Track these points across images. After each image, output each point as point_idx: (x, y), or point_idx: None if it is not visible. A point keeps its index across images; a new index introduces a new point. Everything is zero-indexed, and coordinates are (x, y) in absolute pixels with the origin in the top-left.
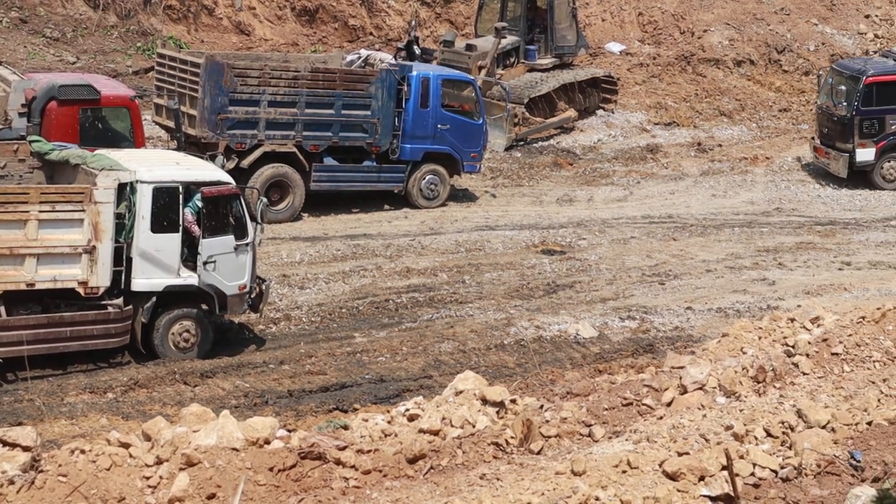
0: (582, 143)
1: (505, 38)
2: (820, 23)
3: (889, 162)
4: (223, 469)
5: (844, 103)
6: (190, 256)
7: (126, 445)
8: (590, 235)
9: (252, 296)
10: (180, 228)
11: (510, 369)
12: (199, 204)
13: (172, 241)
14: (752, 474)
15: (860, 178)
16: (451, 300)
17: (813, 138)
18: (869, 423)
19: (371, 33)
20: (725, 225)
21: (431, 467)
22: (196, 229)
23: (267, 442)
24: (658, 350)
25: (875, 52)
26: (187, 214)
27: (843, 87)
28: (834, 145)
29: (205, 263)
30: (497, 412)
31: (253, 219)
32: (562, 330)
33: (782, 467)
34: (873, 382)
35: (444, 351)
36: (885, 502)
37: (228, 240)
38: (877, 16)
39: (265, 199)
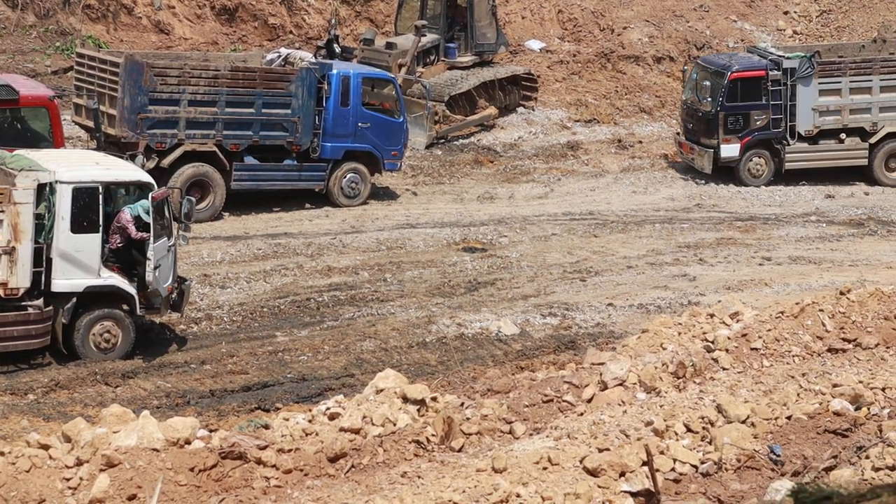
0: (503, 141)
1: (425, 36)
2: (739, 19)
3: (755, 158)
4: (143, 470)
5: (709, 99)
6: (116, 256)
7: (46, 447)
8: (511, 233)
9: (173, 296)
10: (100, 228)
11: (432, 367)
12: (148, 207)
13: (92, 241)
14: (673, 469)
15: (726, 173)
16: (373, 298)
17: (678, 134)
18: (788, 418)
19: (291, 32)
20: (646, 221)
21: (352, 466)
22: (133, 230)
23: (187, 442)
24: (580, 347)
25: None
26: (126, 214)
27: (708, 83)
28: (699, 141)
29: (155, 267)
30: (418, 410)
31: (176, 219)
32: (483, 327)
33: (702, 462)
34: (792, 377)
35: (366, 349)
36: (802, 496)
37: (166, 242)
38: (795, 12)
39: (193, 199)
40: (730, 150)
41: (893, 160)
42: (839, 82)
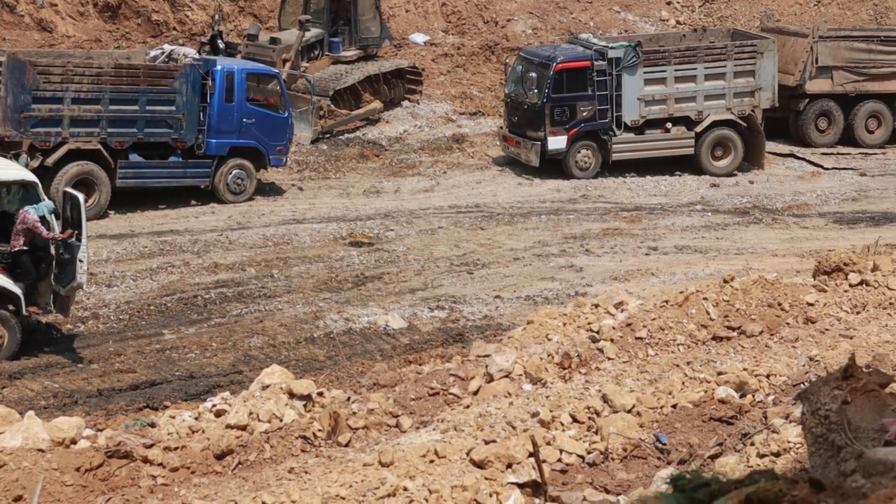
0: (388, 135)
1: (309, 30)
2: (622, 10)
3: (583, 150)
4: (29, 471)
5: (535, 91)
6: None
7: None
8: (397, 226)
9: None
10: None
11: (320, 362)
12: (52, 207)
13: None
14: (560, 460)
15: (553, 166)
16: (260, 295)
17: (501, 128)
18: (674, 406)
19: (174, 28)
20: (532, 213)
21: (239, 462)
22: (44, 230)
23: (73, 442)
24: (468, 339)
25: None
26: (31, 215)
27: (534, 75)
28: (525, 134)
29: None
30: (304, 405)
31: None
32: (371, 322)
33: (589, 452)
34: (677, 366)
35: (254, 346)
36: (681, 483)
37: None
38: (678, 2)
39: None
40: (557, 142)
41: (719, 149)
42: (664, 71)
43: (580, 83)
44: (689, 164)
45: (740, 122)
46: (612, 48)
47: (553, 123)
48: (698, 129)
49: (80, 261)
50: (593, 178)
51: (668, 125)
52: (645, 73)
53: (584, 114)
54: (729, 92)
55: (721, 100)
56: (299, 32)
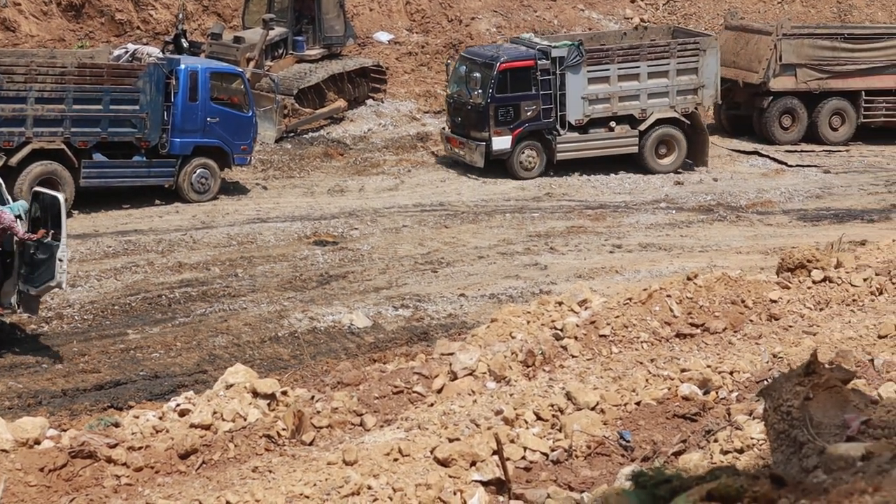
0: (352, 134)
1: (273, 29)
2: (586, 8)
3: (527, 150)
4: None
5: (479, 91)
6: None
7: None
8: (362, 225)
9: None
10: None
11: (285, 361)
12: (27, 206)
13: None
14: (524, 458)
15: (497, 166)
16: (225, 294)
17: (444, 129)
18: (637, 404)
19: (138, 27)
20: (497, 211)
21: (203, 462)
22: (20, 230)
23: (37, 442)
24: (432, 338)
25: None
26: (7, 216)
27: (478, 75)
28: (469, 135)
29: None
30: (268, 404)
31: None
32: (336, 320)
33: (553, 450)
34: (641, 363)
35: (219, 345)
36: (642, 479)
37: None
38: (643, 0)
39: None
40: (501, 142)
41: (663, 147)
42: (607, 70)
43: (524, 83)
44: (633, 163)
45: (684, 119)
46: (555, 47)
47: (497, 124)
48: (642, 127)
49: (60, 260)
50: (561, 177)
51: (612, 124)
52: (588, 71)
53: (529, 114)
54: (672, 90)
55: (664, 98)
56: (263, 31)
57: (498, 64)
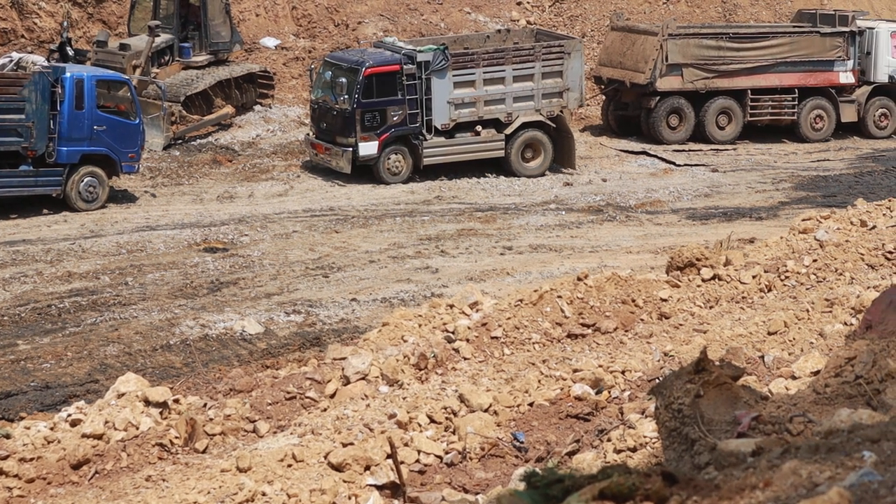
0: (240, 140)
1: (158, 36)
2: (473, 11)
3: (393, 155)
4: None
5: (345, 96)
6: None
7: None
8: (252, 231)
9: None
10: None
11: (177, 369)
12: None
13: None
14: (418, 461)
15: (364, 172)
16: (115, 303)
17: (308, 135)
18: (530, 405)
19: (23, 36)
20: (387, 215)
21: (96, 472)
22: None
23: None
24: (325, 343)
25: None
26: None
27: (344, 80)
28: (335, 140)
29: None
30: (160, 413)
31: None
32: (227, 327)
33: (447, 452)
34: (533, 364)
35: (110, 354)
36: (534, 479)
37: None
38: (528, 2)
39: None
40: (368, 148)
41: (529, 150)
42: (473, 74)
43: (390, 88)
44: (500, 166)
45: (549, 123)
46: (420, 51)
47: (364, 129)
48: (508, 131)
49: None
50: (451, 180)
51: (479, 128)
52: (454, 76)
53: (395, 118)
54: (537, 93)
55: (530, 101)
56: (149, 38)
57: (363, 69)
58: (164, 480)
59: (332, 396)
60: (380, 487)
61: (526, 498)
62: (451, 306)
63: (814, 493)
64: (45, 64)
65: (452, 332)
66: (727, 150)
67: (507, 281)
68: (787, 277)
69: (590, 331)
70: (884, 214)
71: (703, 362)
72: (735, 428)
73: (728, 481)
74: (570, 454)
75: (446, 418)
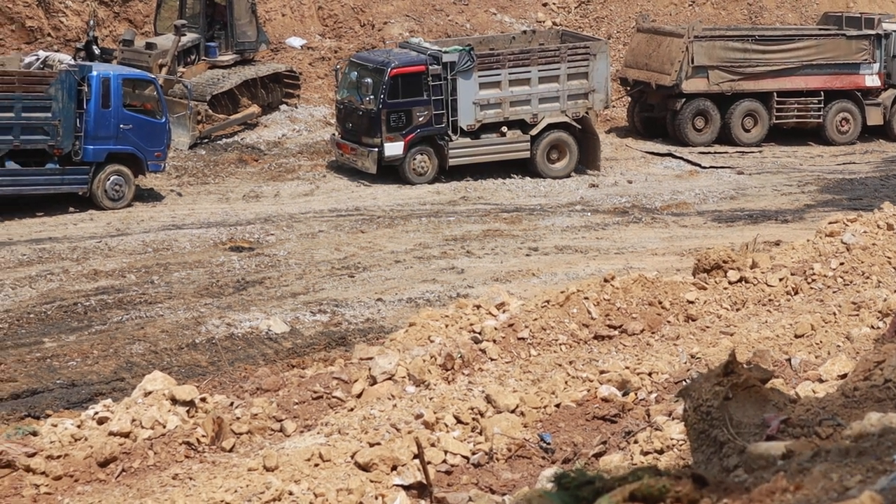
0: (266, 139)
1: (185, 35)
2: (499, 12)
3: (419, 155)
4: None
5: (371, 97)
6: None
7: None
8: (278, 231)
9: None
10: None
11: (203, 368)
12: None
13: None
14: (444, 461)
15: (389, 172)
16: (141, 301)
17: (334, 135)
18: (557, 406)
19: (49, 34)
20: (412, 215)
21: (123, 470)
22: None
23: None
24: (350, 343)
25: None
26: None
27: (369, 81)
28: (360, 140)
29: None
30: (187, 411)
31: None
32: (253, 326)
33: (473, 453)
34: (560, 365)
35: (136, 352)
36: (565, 481)
37: None
38: (554, 3)
39: None
40: (394, 148)
41: (554, 151)
42: (498, 75)
43: (416, 88)
44: (525, 168)
45: (575, 124)
46: (445, 52)
47: (389, 129)
48: (533, 132)
49: None
50: (477, 180)
51: (504, 129)
52: (479, 76)
53: (420, 119)
54: (563, 94)
55: (555, 102)
56: (175, 37)
57: (389, 69)
58: (190, 479)
59: (359, 396)
60: (406, 487)
61: (556, 499)
62: (478, 307)
63: (845, 497)
64: (72, 62)
65: (479, 333)
66: (753, 152)
67: (533, 282)
68: (813, 280)
69: (616, 332)
70: None
71: (732, 364)
72: (764, 431)
73: (758, 484)
74: (597, 456)
75: (473, 419)
